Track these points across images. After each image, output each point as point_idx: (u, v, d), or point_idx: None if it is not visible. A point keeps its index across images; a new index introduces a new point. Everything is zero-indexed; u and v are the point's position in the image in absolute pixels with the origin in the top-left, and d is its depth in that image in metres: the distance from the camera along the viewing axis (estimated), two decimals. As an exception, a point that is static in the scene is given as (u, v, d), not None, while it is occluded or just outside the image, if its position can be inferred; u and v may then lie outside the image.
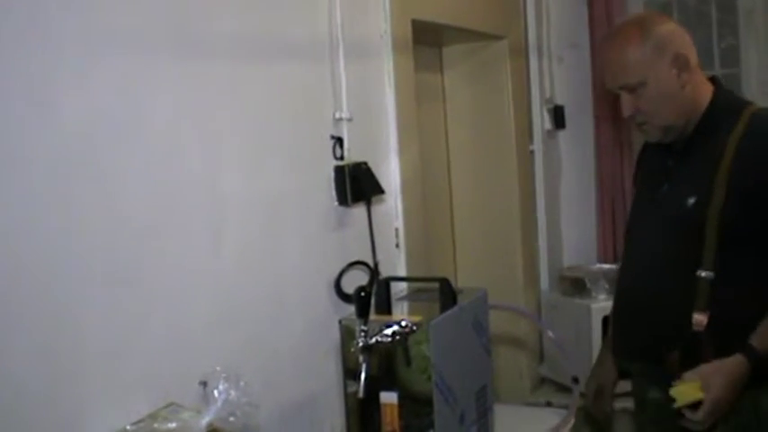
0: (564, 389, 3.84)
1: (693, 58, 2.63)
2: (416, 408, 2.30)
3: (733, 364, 2.50)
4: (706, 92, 2.69)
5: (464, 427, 2.43)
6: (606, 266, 4.13)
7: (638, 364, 2.81)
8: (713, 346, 2.55)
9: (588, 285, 3.96)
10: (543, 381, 4.13)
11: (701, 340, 2.56)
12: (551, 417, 2.89)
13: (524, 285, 3.99)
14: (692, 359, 2.55)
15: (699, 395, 2.47)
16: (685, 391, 2.50)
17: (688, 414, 2.50)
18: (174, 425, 1.82)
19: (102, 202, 1.92)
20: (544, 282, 4.25)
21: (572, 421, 2.86)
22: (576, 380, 2.88)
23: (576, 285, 4.09)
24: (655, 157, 2.84)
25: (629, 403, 3.23)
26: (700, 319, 2.57)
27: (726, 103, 2.69)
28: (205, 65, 2.24)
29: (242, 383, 1.85)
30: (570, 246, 4.47)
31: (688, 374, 2.52)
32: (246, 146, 2.38)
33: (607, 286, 3.89)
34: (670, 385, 2.53)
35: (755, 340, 2.51)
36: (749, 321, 2.53)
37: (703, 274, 2.57)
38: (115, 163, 1.96)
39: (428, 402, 2.29)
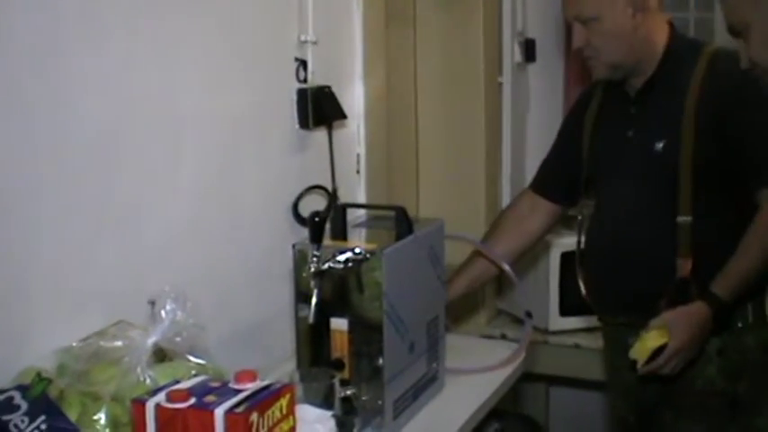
0: (520, 321, 3.85)
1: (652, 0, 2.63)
2: (367, 335, 2.30)
3: (695, 310, 2.55)
4: (662, 34, 2.70)
5: (413, 356, 2.43)
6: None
7: (622, 317, 2.82)
8: (700, 290, 2.59)
9: (549, 221, 3.95)
10: (500, 313, 4.15)
11: (687, 285, 2.60)
12: (503, 349, 2.90)
13: (486, 219, 3.97)
14: (680, 305, 2.59)
15: (659, 342, 2.50)
16: (641, 347, 2.53)
17: (647, 368, 2.54)
18: (119, 343, 1.82)
19: (55, 116, 1.91)
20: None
21: (522, 355, 2.87)
22: (529, 314, 2.88)
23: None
24: (612, 103, 2.84)
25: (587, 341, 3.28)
26: (684, 264, 2.61)
27: (683, 45, 2.71)
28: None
29: (189, 304, 1.84)
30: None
31: (650, 323, 2.55)
32: (207, 64, 2.36)
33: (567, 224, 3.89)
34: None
35: (716, 286, 2.55)
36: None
37: (682, 219, 2.61)
38: (69, 75, 1.93)
39: (379, 330, 2.28)
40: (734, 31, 2.09)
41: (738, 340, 2.68)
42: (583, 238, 2.93)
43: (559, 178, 3.05)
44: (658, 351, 2.53)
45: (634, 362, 2.57)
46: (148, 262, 2.17)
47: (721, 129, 2.57)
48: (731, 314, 2.61)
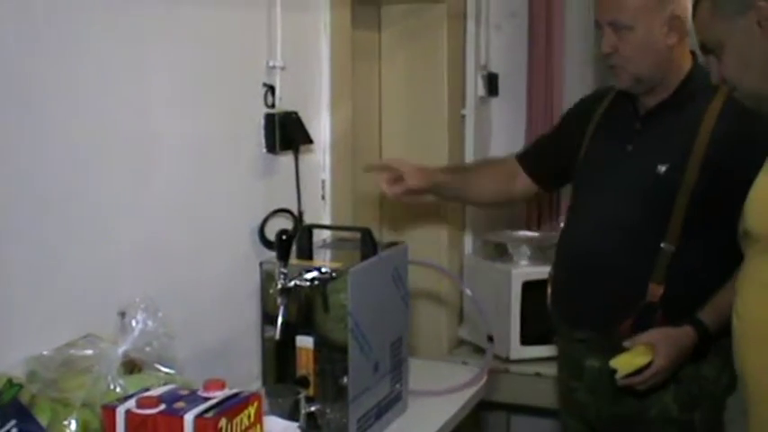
0: (481, 351, 3.89)
1: (687, 25, 2.63)
2: (332, 354, 2.33)
3: (682, 334, 2.58)
4: (686, 61, 2.73)
5: (378, 376, 2.47)
6: (530, 233, 4.18)
7: (581, 332, 2.83)
8: (665, 318, 2.62)
9: (510, 251, 4.01)
10: (461, 343, 4.18)
11: (654, 311, 2.64)
12: (465, 373, 2.93)
13: (448, 247, 4.03)
14: (643, 330, 2.61)
15: (642, 361, 2.54)
16: (626, 359, 2.56)
17: (626, 381, 2.57)
18: (90, 352, 1.84)
19: (28, 130, 1.93)
20: (468, 245, 4.29)
21: (484, 378, 2.90)
22: (490, 338, 2.91)
23: (499, 250, 4.15)
24: (617, 114, 2.86)
25: (548, 369, 3.31)
26: (656, 290, 2.65)
27: (702, 77, 2.67)
28: (140, 5, 2.25)
29: (160, 314, 1.87)
30: (495, 212, 4.51)
31: (637, 338, 2.58)
32: (179, 87, 2.41)
33: (529, 253, 3.94)
34: (614, 354, 2.58)
35: (704, 315, 2.58)
36: (703, 296, 2.60)
37: (666, 245, 2.63)
38: (43, 91, 1.97)
39: (343, 350, 2.32)
40: (705, 48, 2.16)
41: (696, 370, 2.69)
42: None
43: (548, 163, 3.11)
44: (641, 368, 2.57)
45: (613, 370, 2.59)
46: (117, 276, 2.20)
47: (728, 169, 2.56)
48: (709, 345, 2.62)
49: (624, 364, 2.57)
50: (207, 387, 1.75)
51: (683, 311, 2.60)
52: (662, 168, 2.67)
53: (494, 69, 4.39)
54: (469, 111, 4.23)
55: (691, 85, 2.73)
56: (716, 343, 2.60)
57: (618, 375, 2.57)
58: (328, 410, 2.33)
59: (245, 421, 1.73)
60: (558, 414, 3.17)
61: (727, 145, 2.61)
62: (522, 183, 3.16)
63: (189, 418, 1.64)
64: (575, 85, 4.23)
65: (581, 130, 2.94)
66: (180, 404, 1.68)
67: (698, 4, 2.18)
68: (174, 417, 1.65)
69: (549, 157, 3.12)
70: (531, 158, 3.17)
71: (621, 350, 2.59)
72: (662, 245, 2.65)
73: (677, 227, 2.64)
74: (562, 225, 3.02)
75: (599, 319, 2.74)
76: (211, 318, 2.54)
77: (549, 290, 2.99)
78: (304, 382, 2.33)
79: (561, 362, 3.03)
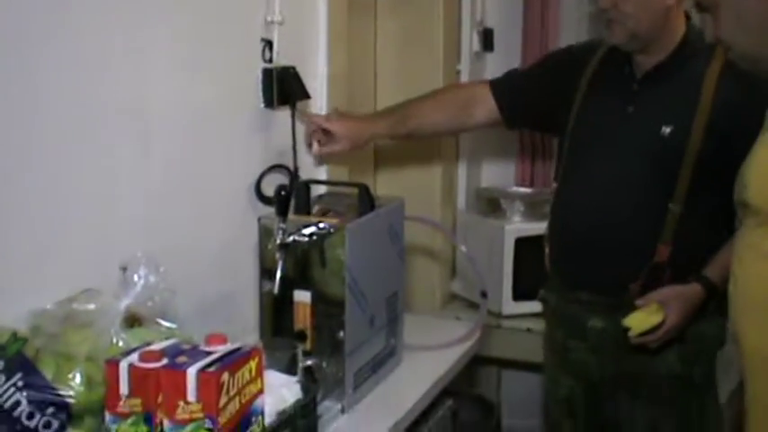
0: (473, 306, 3.92)
1: None
2: (328, 308, 2.36)
3: (692, 291, 2.65)
4: (681, 23, 2.74)
5: (373, 330, 2.50)
6: (522, 190, 4.21)
7: (584, 293, 2.86)
8: (673, 278, 2.67)
9: (504, 206, 4.03)
10: (454, 297, 4.21)
11: (663, 271, 2.68)
12: (458, 328, 2.97)
13: (441, 202, 4.04)
14: (651, 290, 2.67)
15: (656, 319, 2.58)
16: (641, 318, 2.60)
17: (641, 339, 2.63)
18: (92, 306, 1.86)
19: (28, 102, 1.95)
20: (461, 201, 4.31)
21: (478, 334, 2.94)
22: (484, 294, 2.93)
23: (492, 206, 4.17)
24: (611, 74, 2.86)
25: (539, 325, 3.33)
26: (664, 250, 2.69)
27: (698, 39, 2.72)
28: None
29: (162, 269, 1.89)
30: (489, 167, 4.53)
31: (649, 296, 2.63)
32: (177, 44, 2.40)
33: (522, 209, 3.96)
34: (619, 314, 2.65)
35: (711, 272, 2.64)
36: (709, 254, 2.67)
37: (673, 206, 2.67)
38: (41, 63, 1.97)
39: (340, 304, 2.35)
40: (701, 6, 2.13)
41: (697, 328, 2.74)
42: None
43: (522, 99, 3.07)
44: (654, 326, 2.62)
45: (626, 329, 2.64)
46: (118, 232, 2.21)
47: (732, 132, 2.58)
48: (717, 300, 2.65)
49: (638, 322, 2.61)
50: (208, 341, 1.78)
51: (689, 271, 2.66)
52: (666, 130, 2.70)
53: (489, 25, 4.39)
54: (464, 66, 4.23)
55: (687, 47, 2.75)
56: (715, 300, 2.66)
57: (631, 333, 2.61)
58: (325, 364, 2.35)
59: (247, 375, 1.76)
60: (544, 369, 3.21)
61: (730, 110, 2.64)
62: (483, 111, 3.11)
63: (192, 371, 1.67)
64: (570, 40, 4.19)
65: (571, 82, 2.93)
66: (182, 358, 1.71)
67: None
68: (177, 371, 1.67)
69: (525, 92, 3.07)
70: (505, 88, 3.10)
71: (633, 308, 2.63)
72: (669, 205, 2.68)
73: (683, 188, 2.67)
74: (555, 184, 2.99)
75: (606, 280, 2.78)
76: (210, 273, 2.55)
77: (548, 250, 3.00)
78: (301, 337, 2.35)
79: (555, 321, 3.05)
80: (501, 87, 3.10)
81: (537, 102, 3.02)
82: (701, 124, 2.66)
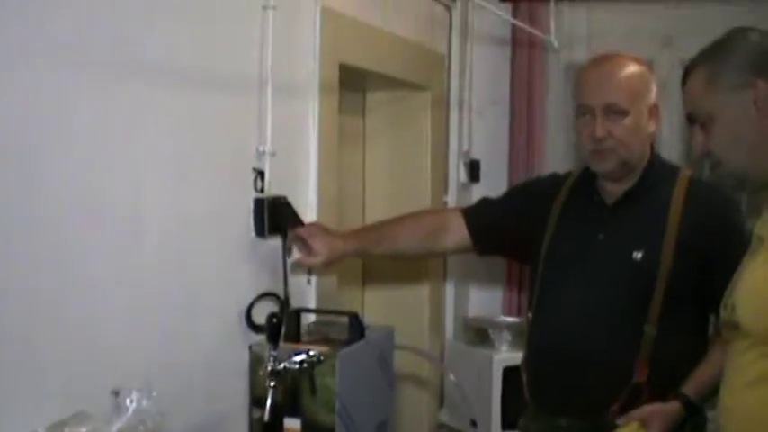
0: (462, 435, 3.91)
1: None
2: (319, 436, 2.37)
3: (671, 408, 2.65)
4: (649, 150, 2.85)
5: (364, 459, 2.50)
6: (510, 319, 4.23)
7: (564, 419, 2.86)
8: (651, 398, 2.68)
9: (491, 336, 4.05)
10: (442, 426, 4.20)
11: (641, 392, 2.70)
12: (447, 457, 2.97)
13: (430, 332, 4.06)
14: (630, 411, 2.67)
15: None
16: None
17: None
18: (84, 429, 1.86)
19: (25, 207, 1.98)
20: (449, 331, 4.33)
21: (467, 462, 2.93)
22: (474, 423, 2.96)
23: (480, 335, 4.19)
24: (581, 203, 2.93)
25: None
26: (642, 370, 2.71)
27: (661, 162, 2.88)
28: (135, 87, 2.30)
29: (154, 393, 1.90)
30: (476, 297, 4.56)
31: (630, 414, 2.63)
32: (171, 171, 2.44)
33: (510, 338, 3.99)
34: None
35: (688, 389, 2.66)
36: (686, 372, 2.69)
37: (648, 327, 2.70)
38: (41, 166, 2.02)
39: (330, 430, 2.35)
40: (693, 118, 2.16)
41: None
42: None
43: (493, 227, 3.10)
44: None
45: None
46: (108, 359, 2.21)
47: (700, 254, 2.68)
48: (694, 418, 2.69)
49: None
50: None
51: (668, 389, 2.67)
52: (638, 255, 2.76)
53: (475, 156, 4.47)
54: (452, 197, 4.30)
55: (653, 173, 2.85)
56: (694, 420, 2.69)
57: None
58: (317, 493, 2.35)
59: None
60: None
61: (698, 231, 2.73)
62: (454, 238, 3.14)
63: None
64: (555, 170, 4.30)
65: (541, 211, 2.98)
66: (174, 484, 1.71)
67: (691, 73, 2.18)
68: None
69: (497, 221, 3.11)
70: (477, 216, 3.15)
71: (613, 428, 2.63)
72: (644, 327, 2.72)
73: (657, 309, 2.71)
74: (530, 313, 3.01)
75: (584, 404, 2.78)
76: (199, 399, 2.55)
77: (525, 378, 3.01)
78: (292, 465, 2.35)
79: None
80: (473, 215, 3.15)
81: (508, 230, 3.07)
82: (670, 247, 2.72)
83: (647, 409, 2.64)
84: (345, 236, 3.03)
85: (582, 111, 2.80)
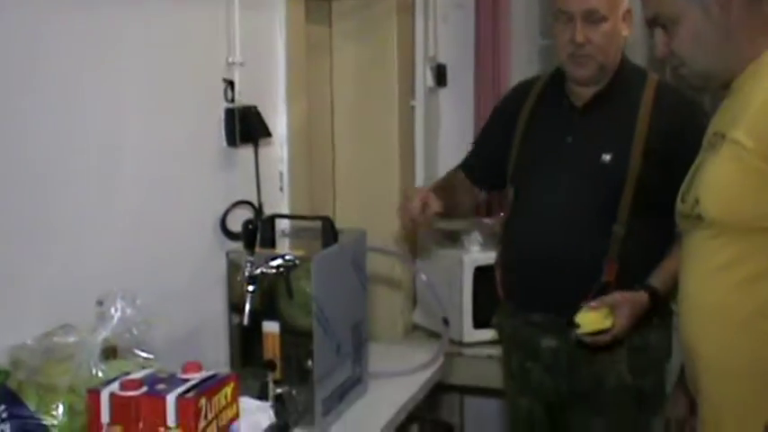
0: (435, 335, 3.97)
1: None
2: (296, 339, 2.44)
3: (639, 298, 2.77)
4: (620, 53, 2.91)
5: (340, 358, 2.58)
6: (480, 220, 4.28)
7: (538, 315, 2.97)
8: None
9: (462, 237, 4.11)
10: (416, 327, 4.28)
11: (609, 289, 2.80)
12: (421, 356, 3.05)
13: (401, 233, 4.12)
14: None
15: (606, 323, 2.70)
16: (591, 318, 2.71)
17: (592, 339, 2.73)
18: (72, 339, 1.92)
19: (2, 144, 2.03)
20: (420, 232, 4.39)
21: (440, 360, 3.02)
22: (446, 321, 3.03)
23: (451, 237, 4.25)
24: (550, 107, 2.99)
25: (500, 352, 3.41)
26: (610, 269, 2.82)
27: (630, 67, 2.95)
28: (103, 10, 2.34)
29: (138, 302, 1.95)
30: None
31: (602, 299, 2.74)
32: (144, 87, 2.51)
33: (480, 239, 4.05)
34: (572, 320, 2.73)
35: (655, 281, 2.78)
36: (652, 269, 2.81)
37: (617, 227, 2.80)
38: (16, 98, 2.07)
39: (307, 334, 2.42)
40: (655, 21, 2.20)
41: (645, 339, 2.88)
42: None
43: (487, 167, 3.19)
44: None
45: (575, 324, 2.72)
46: (92, 268, 2.28)
47: (667, 158, 2.76)
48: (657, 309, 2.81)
49: (589, 321, 2.71)
50: (185, 369, 1.85)
51: (634, 288, 2.78)
52: (606, 157, 2.84)
53: (442, 60, 4.49)
54: (419, 102, 4.31)
55: (623, 76, 2.91)
56: (660, 312, 2.83)
57: (580, 331, 2.71)
58: (294, 392, 2.43)
59: (223, 401, 1.84)
60: (504, 395, 3.29)
61: (666, 135, 2.82)
62: (469, 194, 3.31)
63: (171, 398, 1.74)
64: (521, 75, 4.32)
65: (512, 126, 3.05)
66: (161, 386, 1.79)
67: None
68: (157, 397, 1.75)
69: (487, 160, 3.21)
70: (471, 168, 3.27)
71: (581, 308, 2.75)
72: (613, 227, 2.81)
73: (625, 210, 2.81)
74: (503, 215, 3.12)
75: (557, 301, 2.87)
76: (180, 306, 2.62)
77: (499, 277, 3.11)
78: (271, 366, 2.43)
79: (512, 344, 3.14)
80: (469, 168, 3.27)
81: (500, 158, 3.10)
82: (638, 150, 2.82)
83: (618, 296, 2.74)
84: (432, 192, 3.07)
85: (561, 16, 2.83)
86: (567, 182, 2.89)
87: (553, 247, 2.88)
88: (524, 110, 3.03)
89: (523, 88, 3.14)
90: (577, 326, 2.70)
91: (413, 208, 2.90)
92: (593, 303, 2.72)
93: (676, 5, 2.15)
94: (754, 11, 2.11)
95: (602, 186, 2.85)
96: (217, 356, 2.59)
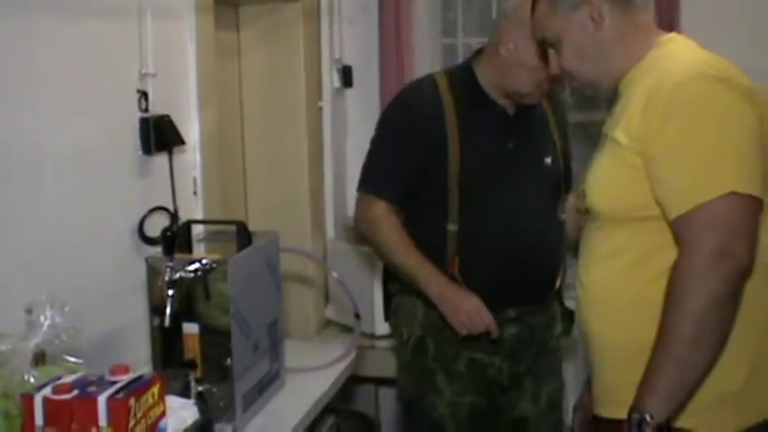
0: (347, 330, 4.11)
1: None
2: (215, 338, 2.52)
3: None
4: None
5: (258, 356, 2.68)
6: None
7: (512, 311, 3.14)
8: None
9: (371, 233, 4.23)
10: (329, 323, 4.40)
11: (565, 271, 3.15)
12: (335, 350, 3.15)
13: (311, 233, 4.24)
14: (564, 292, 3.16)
15: None
16: None
17: None
18: (3, 347, 2.00)
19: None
20: (330, 231, 4.50)
21: (353, 353, 3.14)
22: (357, 316, 3.13)
23: (360, 235, 4.37)
24: (480, 115, 3.09)
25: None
26: (563, 252, 3.14)
27: None
28: (24, 22, 2.42)
29: (67, 309, 2.04)
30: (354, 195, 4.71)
31: None
32: (64, 100, 2.59)
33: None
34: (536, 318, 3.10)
35: None
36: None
37: (563, 216, 3.12)
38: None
39: (225, 334, 2.51)
40: (546, 42, 2.44)
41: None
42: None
43: (408, 189, 3.12)
44: None
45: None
46: (16, 277, 2.36)
47: (566, 151, 3.24)
48: None
49: None
50: (113, 371, 1.95)
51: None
52: (548, 160, 3.14)
53: (348, 62, 4.61)
54: (326, 102, 4.44)
55: None
56: None
57: None
58: (215, 389, 2.53)
59: (150, 400, 1.95)
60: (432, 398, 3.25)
61: (562, 131, 3.23)
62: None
63: (102, 399, 1.84)
64: (425, 73, 4.46)
65: (438, 141, 3.04)
66: (92, 388, 1.88)
67: (537, 3, 2.43)
68: (88, 399, 1.85)
69: (411, 180, 3.12)
70: (397, 193, 3.15)
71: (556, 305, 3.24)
72: (561, 216, 3.15)
73: (563, 200, 3.17)
74: (452, 226, 3.07)
75: (530, 294, 3.15)
76: (101, 312, 2.69)
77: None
78: (192, 365, 2.52)
79: (462, 346, 3.13)
80: (397, 195, 3.15)
81: (428, 173, 3.09)
82: (558, 150, 3.18)
83: None
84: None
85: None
86: (519, 184, 3.10)
87: (520, 247, 3.07)
88: (449, 122, 3.04)
89: (429, 101, 3.08)
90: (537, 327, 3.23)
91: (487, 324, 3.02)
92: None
93: (557, 26, 2.38)
94: (625, 21, 2.32)
95: (549, 185, 3.15)
96: (139, 358, 2.68)
